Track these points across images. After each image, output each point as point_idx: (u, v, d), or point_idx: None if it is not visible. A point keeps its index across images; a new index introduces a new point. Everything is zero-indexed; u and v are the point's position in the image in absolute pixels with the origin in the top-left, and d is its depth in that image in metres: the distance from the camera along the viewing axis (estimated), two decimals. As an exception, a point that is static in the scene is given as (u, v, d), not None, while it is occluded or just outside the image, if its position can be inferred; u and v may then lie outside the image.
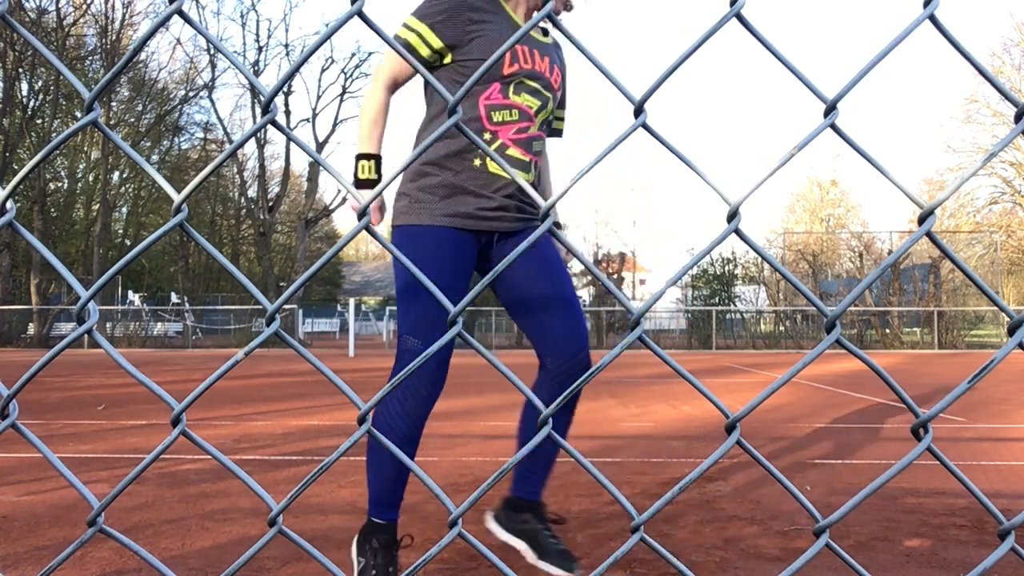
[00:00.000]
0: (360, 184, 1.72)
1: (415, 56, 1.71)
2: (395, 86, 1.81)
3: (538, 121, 1.81)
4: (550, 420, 0.68)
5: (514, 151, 1.75)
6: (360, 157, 1.74)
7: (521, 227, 1.82)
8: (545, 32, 1.90)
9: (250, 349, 0.68)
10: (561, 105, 1.99)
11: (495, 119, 1.74)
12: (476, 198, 1.73)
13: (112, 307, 20.53)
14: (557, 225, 2.07)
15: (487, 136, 1.73)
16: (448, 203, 1.72)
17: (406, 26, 1.73)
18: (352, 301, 18.96)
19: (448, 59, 1.74)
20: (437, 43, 1.71)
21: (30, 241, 0.73)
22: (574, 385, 0.65)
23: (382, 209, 1.76)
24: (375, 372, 10.00)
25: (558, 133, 2.04)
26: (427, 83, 1.81)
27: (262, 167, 25.38)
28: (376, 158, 1.75)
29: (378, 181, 1.74)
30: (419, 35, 1.71)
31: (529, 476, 1.89)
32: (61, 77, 15.10)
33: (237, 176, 26.54)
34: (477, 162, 1.73)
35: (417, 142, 1.84)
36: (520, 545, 1.83)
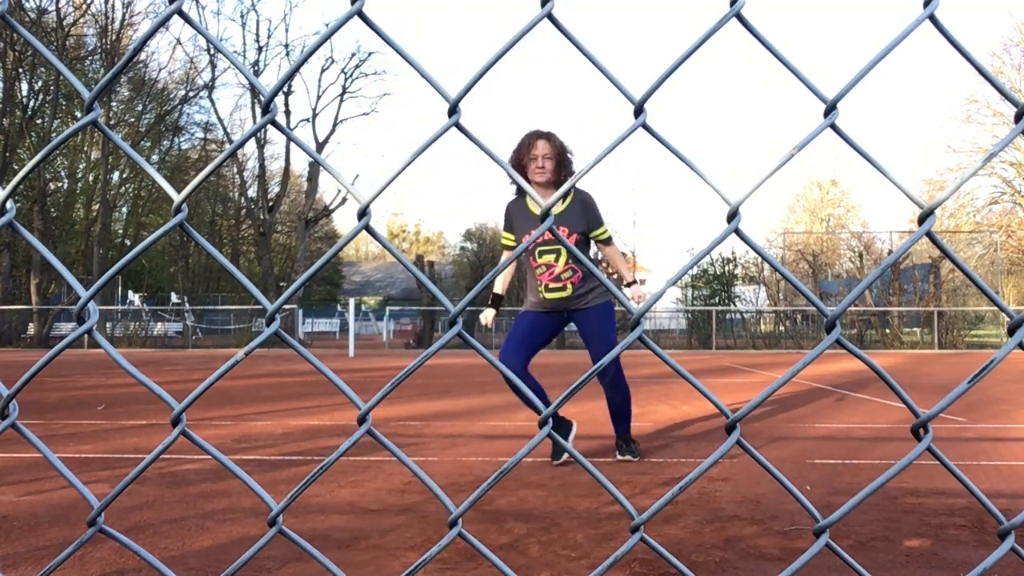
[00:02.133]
0: (490, 303, 3.55)
1: (509, 247, 3.56)
2: (511, 266, 3.48)
3: (560, 264, 3.29)
4: (550, 421, 0.68)
5: (552, 284, 3.33)
6: (494, 293, 3.58)
7: (585, 306, 3.38)
8: (565, 198, 3.31)
9: (250, 349, 0.68)
10: (591, 228, 3.35)
11: (537, 273, 3.37)
12: (542, 305, 3.42)
13: (112, 307, 20.53)
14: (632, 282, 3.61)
15: (538, 282, 3.38)
16: (538, 304, 3.45)
17: (502, 237, 3.55)
18: (352, 301, 18.96)
19: (513, 236, 3.45)
20: (511, 237, 3.46)
21: (30, 241, 0.73)
22: (574, 385, 0.65)
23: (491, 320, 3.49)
24: (375, 372, 10.00)
25: (607, 242, 3.44)
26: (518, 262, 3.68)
27: (262, 167, 25.38)
28: (496, 295, 3.56)
29: (494, 304, 3.53)
30: (505, 238, 3.50)
31: (617, 423, 3.50)
32: (61, 77, 15.11)
33: (237, 176, 26.54)
34: (542, 295, 3.39)
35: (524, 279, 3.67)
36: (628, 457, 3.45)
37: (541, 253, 3.31)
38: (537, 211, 3.18)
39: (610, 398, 3.40)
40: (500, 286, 3.54)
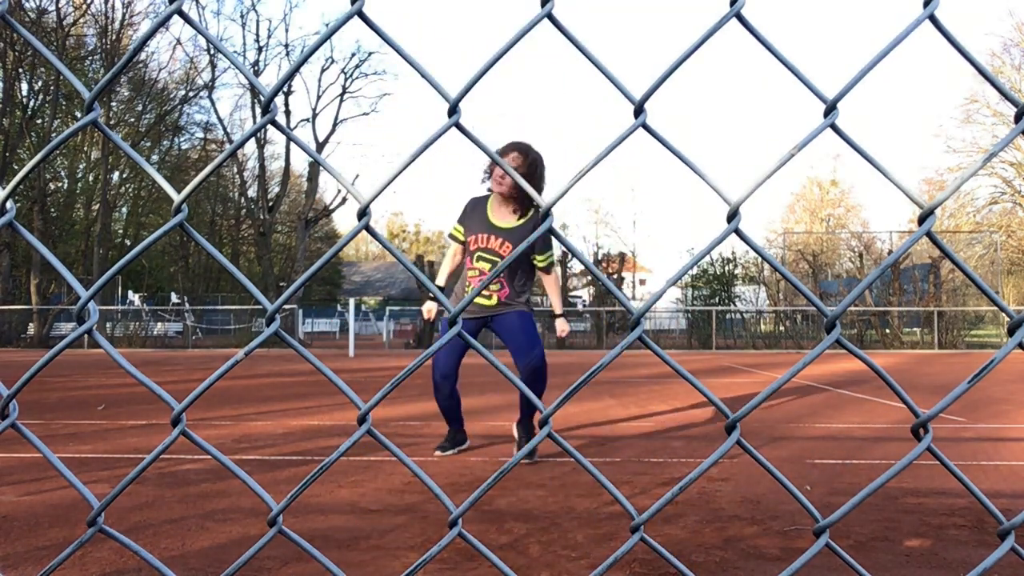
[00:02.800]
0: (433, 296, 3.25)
1: (457, 240, 3.52)
2: (455, 255, 3.58)
3: (489, 271, 3.31)
4: (550, 421, 0.68)
5: (483, 291, 3.10)
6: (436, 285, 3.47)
7: (503, 312, 3.42)
8: (523, 215, 3.33)
9: (250, 349, 0.68)
10: (537, 251, 3.38)
11: (469, 274, 3.45)
12: (473, 313, 3.45)
13: (112, 307, 20.53)
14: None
15: (468, 284, 3.48)
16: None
17: (453, 226, 3.52)
18: (352, 301, 18.96)
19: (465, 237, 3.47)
20: (461, 230, 3.46)
21: (30, 241, 0.73)
22: (573, 385, 0.65)
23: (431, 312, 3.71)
24: (375, 372, 10.00)
25: (547, 269, 3.47)
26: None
27: (262, 167, 25.39)
28: (441, 288, 3.56)
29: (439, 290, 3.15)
30: (456, 229, 3.50)
31: (523, 407, 3.65)
32: (61, 77, 15.11)
33: (237, 176, 26.56)
34: (469, 288, 3.49)
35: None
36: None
37: (479, 258, 3.35)
38: (495, 219, 3.35)
39: (527, 383, 3.40)
40: (443, 278, 3.54)
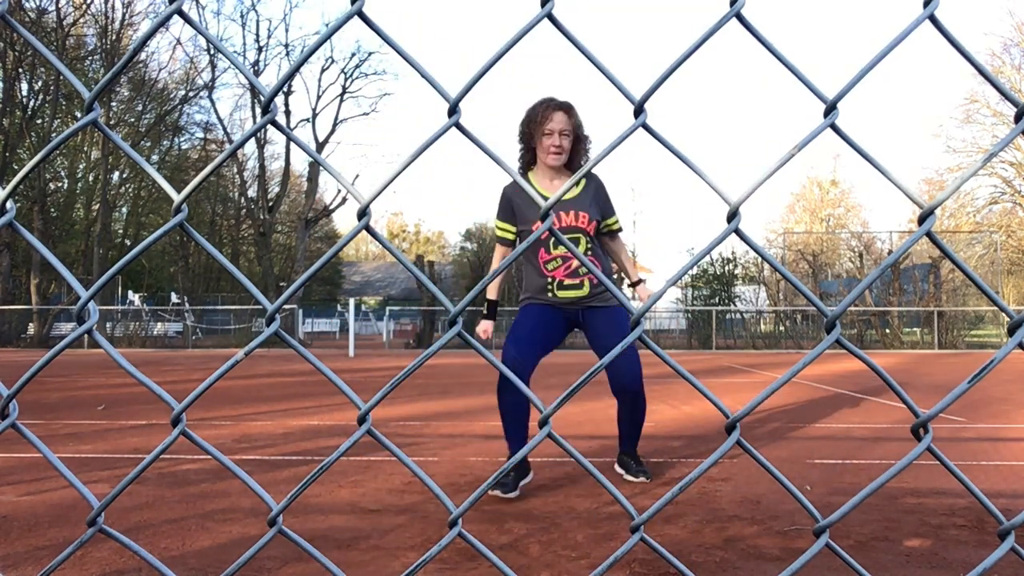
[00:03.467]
0: (485, 315, 2.96)
1: (506, 242, 2.94)
2: (503, 254, 3.02)
3: (582, 250, 2.81)
4: (550, 421, 0.68)
5: (567, 281, 2.82)
6: (488, 300, 2.96)
7: (599, 305, 2.89)
8: (578, 182, 2.82)
9: (250, 349, 0.68)
10: (605, 216, 2.92)
11: (550, 268, 2.83)
12: (561, 300, 2.89)
13: (112, 307, 20.52)
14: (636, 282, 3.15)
15: (549, 280, 2.84)
16: (542, 300, 2.92)
17: (496, 226, 2.94)
18: (352, 301, 18.96)
19: (513, 236, 2.92)
20: (510, 229, 2.90)
21: (30, 241, 0.73)
22: (574, 385, 0.65)
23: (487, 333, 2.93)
24: (375, 372, 10.00)
25: (617, 231, 3.01)
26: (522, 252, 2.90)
27: (262, 167, 25.38)
28: (491, 303, 2.95)
29: (489, 316, 2.93)
30: (502, 229, 2.91)
31: (623, 440, 3.05)
32: (61, 77, 15.11)
33: (237, 176, 26.55)
34: (549, 295, 2.87)
35: (524, 278, 2.99)
36: (625, 474, 3.03)
37: (556, 244, 2.77)
38: (549, 193, 2.78)
39: (623, 416, 2.98)
40: (494, 291, 2.99)
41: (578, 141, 2.81)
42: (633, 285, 3.15)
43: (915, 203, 0.67)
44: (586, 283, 2.82)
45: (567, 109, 2.76)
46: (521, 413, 2.75)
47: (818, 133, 0.66)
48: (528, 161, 2.88)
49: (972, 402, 5.71)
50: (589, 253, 2.85)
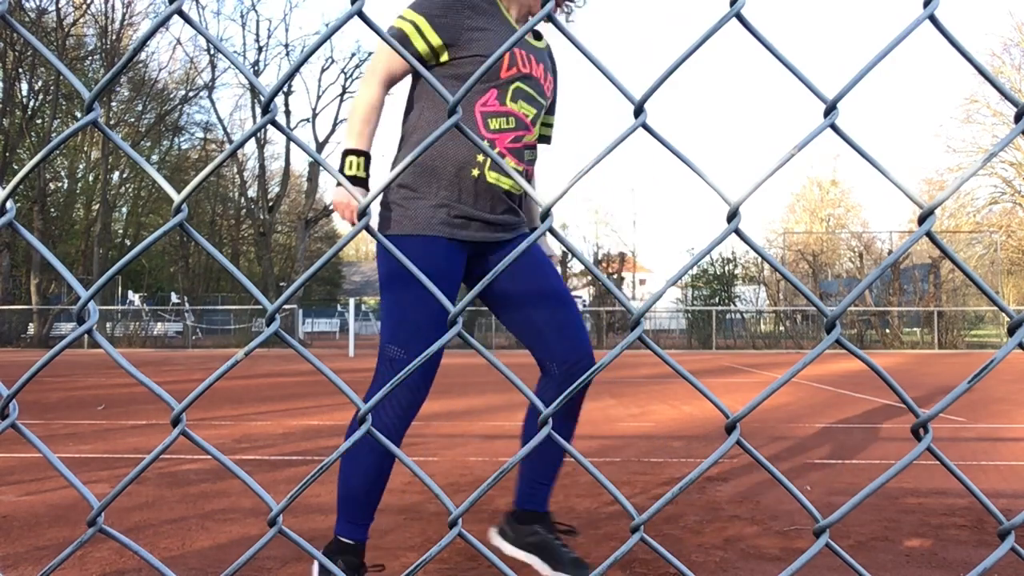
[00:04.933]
0: (352, 180, 1.66)
1: (410, 50, 1.64)
2: (390, 82, 1.74)
3: (535, 129, 1.78)
4: (550, 420, 0.68)
5: (509, 160, 1.70)
6: (348, 152, 1.67)
7: (511, 237, 1.78)
8: (538, 36, 1.88)
9: (250, 349, 0.68)
10: (551, 111, 1.96)
11: (492, 127, 1.69)
12: (480, 208, 1.69)
13: (112, 307, 20.52)
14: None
15: (485, 142, 1.50)
16: (451, 208, 1.66)
17: (402, 17, 1.66)
18: (352, 301, 18.96)
19: (444, 57, 1.67)
20: (435, 39, 1.65)
21: (30, 241, 0.73)
22: (574, 385, 0.65)
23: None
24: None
25: (547, 140, 1.99)
26: (415, 81, 1.78)
27: (262, 167, 25.39)
28: (366, 155, 1.69)
29: (366, 180, 1.70)
30: (416, 27, 1.64)
31: (535, 487, 1.82)
32: (61, 77, 15.11)
33: (237, 176, 26.55)
34: (475, 172, 1.67)
35: (402, 143, 1.77)
36: (533, 560, 1.77)
37: (518, 94, 1.72)
38: (535, 42, 1.82)
39: (531, 420, 1.89)
40: (368, 133, 1.71)
41: None
42: (543, 218, 1.85)
43: (915, 203, 0.67)
44: (524, 177, 1.75)
45: None
46: (385, 469, 1.68)
47: (818, 133, 0.66)
48: None
49: (972, 402, 5.71)
50: (529, 137, 1.78)
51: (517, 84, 1.71)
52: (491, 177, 1.69)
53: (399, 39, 1.65)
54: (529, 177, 1.83)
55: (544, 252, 1.89)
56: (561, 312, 1.76)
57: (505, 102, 1.70)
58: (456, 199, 1.67)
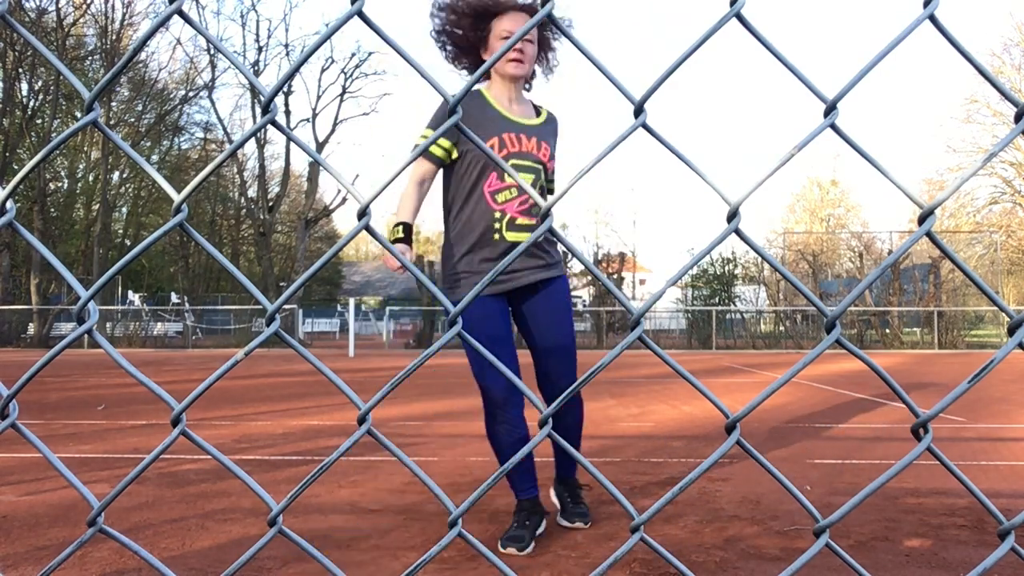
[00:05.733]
0: (393, 241, 2.17)
1: (432, 159, 2.20)
2: (421, 180, 2.23)
3: (536, 190, 2.15)
4: (550, 420, 0.68)
5: (522, 220, 2.16)
6: (397, 224, 2.19)
7: (548, 276, 2.25)
8: (538, 112, 2.31)
9: (250, 349, 0.68)
10: (551, 158, 2.33)
11: (499, 200, 2.16)
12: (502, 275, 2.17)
13: (112, 307, 20.52)
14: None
15: (497, 215, 2.15)
16: (476, 278, 2.16)
17: (422, 136, 2.19)
18: (352, 301, 18.97)
19: (455, 155, 2.19)
20: (445, 143, 2.17)
21: (30, 241, 0.73)
22: (574, 386, 0.65)
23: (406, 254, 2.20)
24: (375, 372, 10.00)
25: (550, 192, 2.38)
26: (446, 171, 2.26)
27: (262, 167, 25.39)
28: (406, 225, 2.19)
29: (405, 239, 2.17)
30: (444, 148, 2.19)
31: (560, 462, 2.47)
32: (61, 77, 15.11)
33: (237, 176, 26.54)
34: (496, 236, 2.15)
35: (446, 213, 2.28)
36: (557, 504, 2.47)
37: (513, 170, 1.84)
38: (514, 116, 2.21)
39: (561, 414, 2.30)
40: (409, 212, 2.20)
41: (545, 47, 2.28)
42: (543, 218, 2.54)
43: (915, 203, 0.67)
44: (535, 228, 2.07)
45: (529, 9, 2.18)
46: (522, 443, 2.18)
47: (818, 133, 0.66)
48: (473, 63, 2.25)
49: (972, 402, 5.71)
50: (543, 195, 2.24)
51: (512, 162, 2.15)
52: (510, 237, 2.15)
53: (428, 153, 2.19)
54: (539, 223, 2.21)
55: (570, 304, 2.34)
56: (556, 364, 2.26)
57: (504, 178, 2.15)
58: (485, 259, 2.16)
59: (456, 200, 2.21)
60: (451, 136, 2.15)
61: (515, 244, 2.14)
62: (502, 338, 2.16)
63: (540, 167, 2.22)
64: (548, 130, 2.30)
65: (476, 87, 2.21)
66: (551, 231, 0.67)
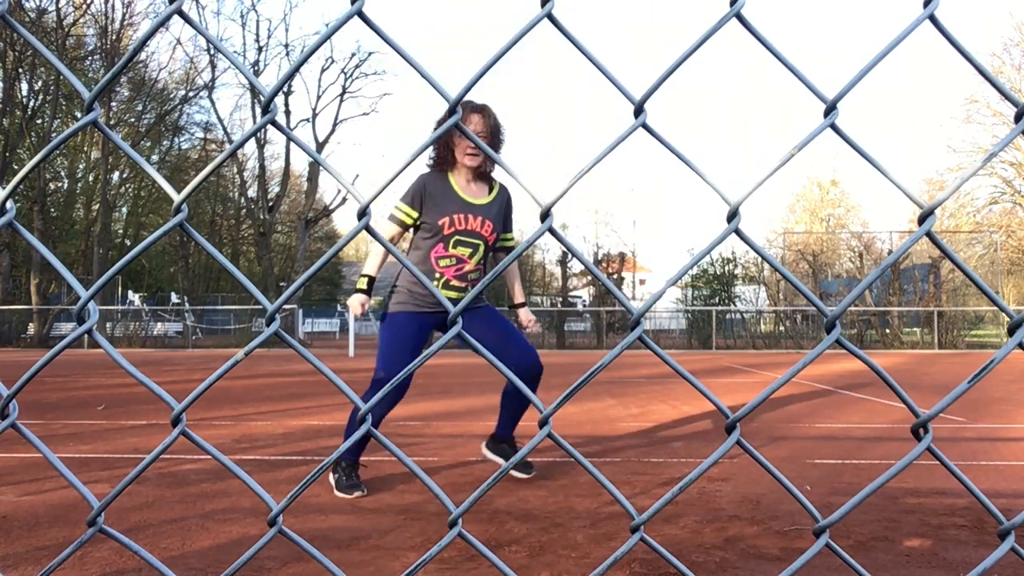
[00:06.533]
0: (357, 291, 2.89)
1: (401, 224, 2.87)
2: (392, 239, 2.91)
3: (472, 261, 2.86)
4: (550, 420, 0.68)
5: (455, 282, 2.85)
6: (362, 275, 2.88)
7: (476, 304, 2.99)
8: (491, 190, 2.93)
9: (250, 349, 0.68)
10: (505, 230, 3.00)
11: (442, 264, 2.85)
12: (421, 302, 2.88)
13: (112, 307, 20.52)
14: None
15: (437, 275, 2.84)
16: (417, 301, 2.89)
17: (397, 208, 2.86)
18: (352, 301, 18.92)
19: (418, 220, 2.86)
20: (413, 214, 2.85)
21: (30, 241, 0.73)
22: (573, 386, 0.65)
23: (364, 306, 2.88)
24: (375, 372, 9.99)
25: (509, 249, 3.07)
26: (414, 233, 2.95)
27: (262, 167, 25.38)
28: (370, 278, 2.86)
29: (366, 290, 2.87)
30: (404, 212, 2.84)
31: (507, 424, 3.06)
32: (61, 77, 15.11)
33: (237, 176, 26.54)
34: (437, 284, 2.85)
35: (409, 257, 2.93)
36: (498, 459, 3.10)
37: (457, 243, 2.83)
38: (468, 196, 2.86)
39: (511, 391, 3.01)
40: (374, 267, 2.85)
41: (494, 142, 2.86)
42: (513, 307, 3.18)
43: (915, 203, 0.67)
44: (468, 289, 2.89)
45: (482, 111, 2.83)
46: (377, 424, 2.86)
47: (818, 133, 0.66)
48: (448, 160, 2.89)
49: (972, 402, 5.71)
50: (481, 264, 2.91)
51: (456, 237, 2.83)
52: (444, 293, 2.82)
53: (397, 220, 2.86)
54: (473, 284, 2.92)
55: (498, 313, 3.00)
56: (510, 336, 2.89)
57: (448, 249, 2.84)
58: (420, 293, 2.88)
59: (412, 251, 2.93)
60: (416, 207, 2.83)
61: (446, 296, 2.63)
62: (418, 342, 2.88)
63: (481, 242, 2.87)
64: (495, 206, 2.92)
65: (444, 171, 2.88)
66: (551, 231, 0.67)
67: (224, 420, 4.83)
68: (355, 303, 2.85)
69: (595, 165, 0.66)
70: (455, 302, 2.82)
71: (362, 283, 2.85)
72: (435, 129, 2.78)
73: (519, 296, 3.18)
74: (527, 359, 2.84)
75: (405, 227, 2.88)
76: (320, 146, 24.49)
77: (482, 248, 2.86)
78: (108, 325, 19.60)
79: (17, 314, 19.74)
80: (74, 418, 4.91)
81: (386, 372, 2.78)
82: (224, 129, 25.64)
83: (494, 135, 2.85)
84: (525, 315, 3.13)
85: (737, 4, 0.63)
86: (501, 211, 2.94)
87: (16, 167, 20.56)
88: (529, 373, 2.83)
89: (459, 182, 2.87)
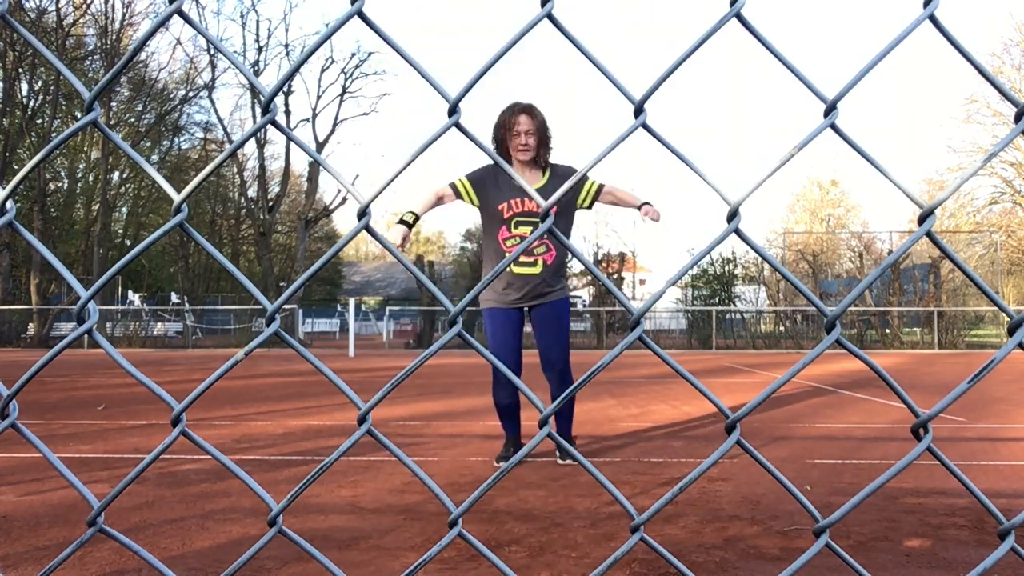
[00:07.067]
0: (399, 221, 3.07)
1: (456, 191, 3.23)
2: (441, 198, 3.24)
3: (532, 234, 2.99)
4: (550, 420, 0.68)
5: (523, 258, 3.16)
6: (410, 211, 3.12)
7: (543, 301, 3.26)
8: (544, 172, 3.24)
9: (250, 349, 0.68)
10: (576, 194, 3.27)
11: (508, 244, 3.20)
12: (515, 290, 3.22)
13: (112, 307, 20.52)
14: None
15: (507, 255, 3.09)
16: (498, 298, 3.25)
17: (460, 179, 3.26)
18: (352, 301, 18.97)
19: (474, 201, 3.24)
20: (470, 191, 3.23)
21: (30, 241, 0.73)
22: (573, 386, 0.65)
23: (406, 239, 3.04)
24: (375, 372, 10.00)
25: (600, 189, 3.29)
26: (483, 219, 3.35)
27: (262, 167, 25.37)
28: (415, 216, 3.11)
29: (409, 224, 3.05)
30: (463, 184, 3.24)
31: (563, 424, 3.46)
32: (61, 77, 15.11)
33: (237, 176, 26.54)
34: (510, 268, 3.16)
35: (483, 256, 3.42)
36: (569, 460, 3.33)
37: (518, 223, 3.18)
38: (535, 184, 3.21)
39: (555, 394, 3.41)
40: (421, 207, 3.17)
41: (542, 140, 3.19)
42: (640, 207, 3.19)
43: (915, 203, 0.67)
44: (540, 263, 3.20)
45: (529, 111, 3.16)
46: (515, 409, 3.39)
47: (818, 133, 0.66)
48: (506, 155, 3.23)
49: (972, 402, 5.71)
50: (544, 237, 3.11)
51: (516, 218, 3.18)
52: (515, 270, 3.20)
53: (453, 186, 3.23)
54: (551, 260, 3.22)
55: (564, 313, 3.31)
56: (561, 337, 3.29)
57: (511, 230, 3.20)
58: (502, 286, 3.23)
59: (485, 247, 3.32)
60: (478, 192, 3.21)
61: (519, 275, 3.20)
62: (508, 338, 3.24)
63: (537, 219, 3.09)
64: (551, 188, 3.19)
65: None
66: (552, 230, 0.67)
67: (224, 420, 4.83)
68: (396, 235, 3.00)
69: (595, 165, 0.66)
70: (528, 277, 3.19)
71: (408, 216, 3.07)
72: (493, 134, 3.23)
73: (636, 200, 3.23)
74: (559, 362, 3.26)
75: (456, 195, 3.22)
76: (320, 146, 24.48)
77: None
78: (108, 325, 19.60)
79: (17, 314, 19.74)
80: (74, 418, 4.91)
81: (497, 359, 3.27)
82: (224, 129, 25.64)
83: (542, 132, 3.18)
84: (649, 210, 3.16)
85: (737, 4, 0.63)
86: (558, 186, 3.14)
87: (16, 167, 20.56)
88: (559, 380, 3.28)
89: (516, 171, 3.06)
